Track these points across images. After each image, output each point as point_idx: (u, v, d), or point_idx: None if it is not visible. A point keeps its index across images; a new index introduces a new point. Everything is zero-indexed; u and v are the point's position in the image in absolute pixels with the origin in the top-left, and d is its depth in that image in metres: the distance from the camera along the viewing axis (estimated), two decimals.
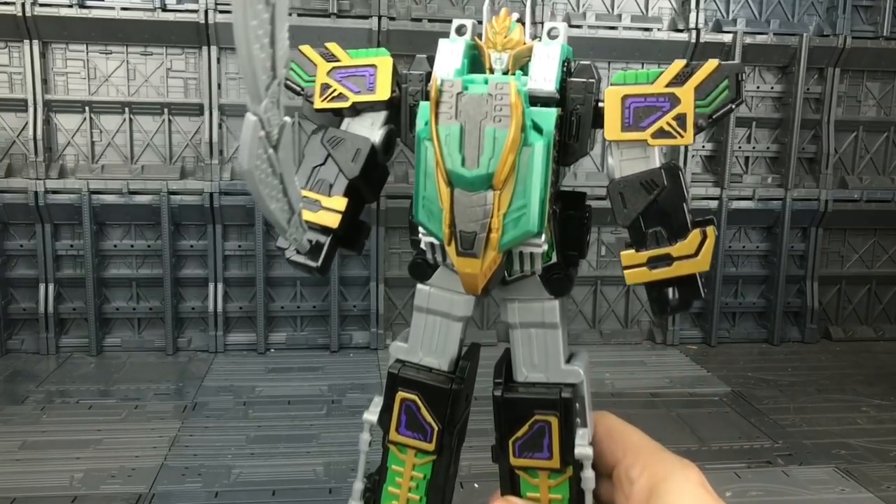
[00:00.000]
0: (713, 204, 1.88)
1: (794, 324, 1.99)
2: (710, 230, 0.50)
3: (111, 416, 1.38)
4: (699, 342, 1.93)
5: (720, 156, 1.90)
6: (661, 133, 0.50)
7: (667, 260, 0.51)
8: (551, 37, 0.53)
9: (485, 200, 0.46)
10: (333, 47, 0.56)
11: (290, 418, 1.39)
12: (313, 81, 0.56)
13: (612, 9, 1.85)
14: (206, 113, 1.72)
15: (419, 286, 0.57)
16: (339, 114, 0.56)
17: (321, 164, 0.55)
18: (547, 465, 0.54)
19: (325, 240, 0.54)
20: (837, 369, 1.76)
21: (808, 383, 1.66)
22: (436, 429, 0.55)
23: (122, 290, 1.78)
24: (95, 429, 1.32)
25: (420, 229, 0.52)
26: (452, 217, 0.47)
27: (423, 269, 0.56)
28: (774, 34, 1.86)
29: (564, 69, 0.52)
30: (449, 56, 0.53)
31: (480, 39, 0.54)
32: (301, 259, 0.54)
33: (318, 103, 0.55)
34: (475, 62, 0.54)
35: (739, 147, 1.93)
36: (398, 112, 0.56)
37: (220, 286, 1.77)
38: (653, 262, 0.51)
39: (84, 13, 1.64)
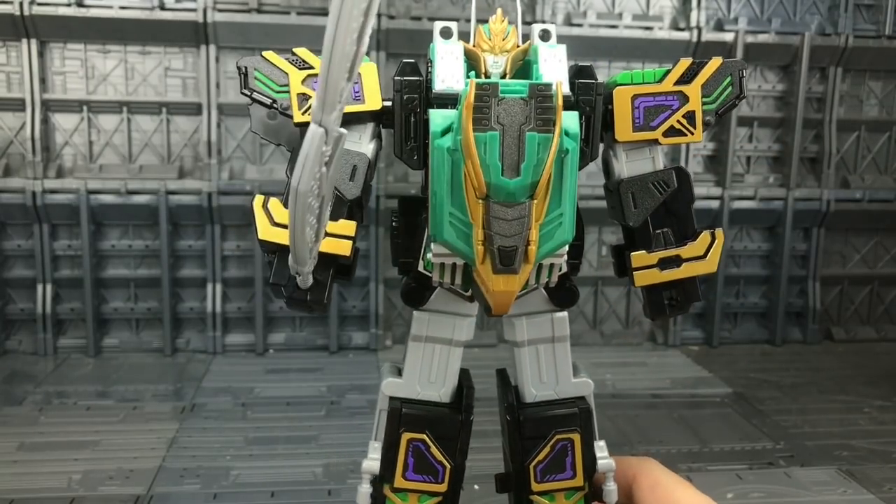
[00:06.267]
0: (715, 204, 1.87)
1: (795, 324, 1.98)
2: (719, 232, 0.51)
3: (109, 418, 1.37)
4: (700, 343, 1.93)
5: (722, 155, 1.90)
6: (671, 131, 0.51)
7: (676, 262, 0.51)
8: (544, 39, 0.50)
9: (524, 211, 0.43)
10: (304, 53, 0.51)
11: (289, 419, 1.38)
12: (285, 92, 0.50)
13: (613, 7, 1.84)
14: (205, 112, 1.71)
15: (416, 314, 0.53)
16: None
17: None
18: (571, 485, 0.52)
19: (328, 273, 0.49)
20: (839, 370, 1.76)
21: (809, 384, 1.65)
22: (448, 467, 0.52)
23: (120, 290, 1.77)
24: (93, 430, 1.31)
25: (433, 249, 0.47)
26: (486, 232, 0.43)
27: (419, 294, 0.52)
28: (776, 33, 1.86)
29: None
30: (450, 59, 0.49)
31: (468, 42, 0.51)
32: (304, 297, 0.48)
33: (299, 116, 0.49)
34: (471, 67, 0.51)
35: (741, 147, 1.93)
36: (384, 123, 0.51)
37: (218, 287, 1.76)
38: (663, 264, 0.51)
39: (82, 12, 1.63)
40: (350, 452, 1.24)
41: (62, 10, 1.62)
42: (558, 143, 0.43)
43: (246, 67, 0.50)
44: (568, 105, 0.48)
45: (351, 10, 0.30)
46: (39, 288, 1.71)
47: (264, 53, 0.50)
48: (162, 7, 1.65)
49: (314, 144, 0.33)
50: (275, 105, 0.50)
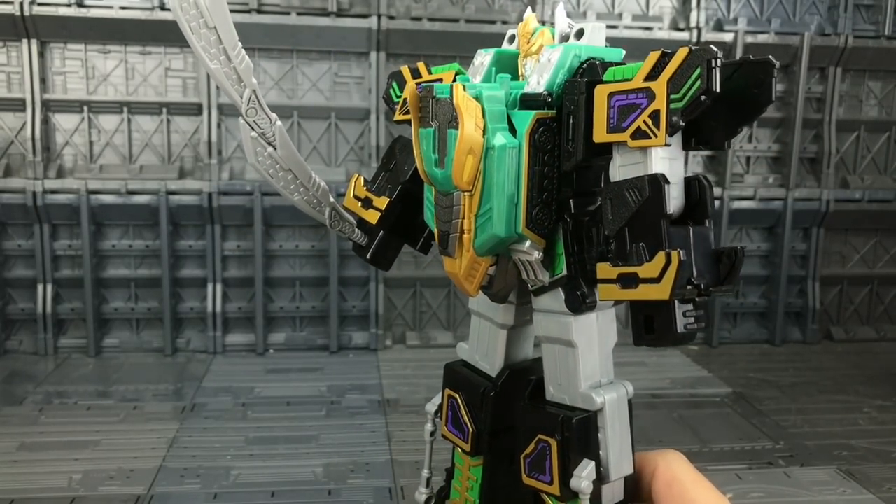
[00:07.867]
0: (714, 204, 1.87)
1: (795, 324, 1.98)
2: (675, 254, 0.43)
3: (110, 417, 1.37)
4: (700, 343, 1.93)
5: (721, 155, 1.90)
6: (638, 133, 0.46)
7: (634, 280, 0.45)
8: (578, 38, 0.52)
9: (454, 201, 0.48)
10: (420, 66, 0.59)
11: (290, 419, 1.38)
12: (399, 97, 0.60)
13: (613, 7, 1.84)
14: (205, 112, 1.71)
15: None
16: None
17: (389, 170, 0.58)
18: (549, 490, 0.51)
19: (375, 234, 0.58)
20: (839, 370, 1.76)
21: (809, 384, 1.65)
22: (471, 430, 0.55)
23: (121, 290, 1.77)
24: (94, 430, 1.32)
25: None
26: (437, 217, 0.50)
27: None
28: (776, 33, 1.86)
29: (580, 70, 0.50)
30: (478, 66, 0.55)
31: None
32: (359, 250, 0.58)
33: (396, 116, 0.58)
34: (514, 71, 0.54)
35: (741, 147, 1.93)
36: None
37: (218, 287, 1.76)
38: (623, 280, 0.46)
39: (82, 12, 1.63)
40: (350, 452, 1.24)
41: (62, 11, 1.63)
42: (467, 138, 0.46)
43: (389, 80, 0.60)
44: (539, 104, 0.49)
45: (197, 44, 0.42)
46: (40, 288, 1.71)
47: (401, 68, 0.59)
48: (162, 7, 1.66)
49: (242, 133, 0.46)
50: (392, 107, 0.59)
